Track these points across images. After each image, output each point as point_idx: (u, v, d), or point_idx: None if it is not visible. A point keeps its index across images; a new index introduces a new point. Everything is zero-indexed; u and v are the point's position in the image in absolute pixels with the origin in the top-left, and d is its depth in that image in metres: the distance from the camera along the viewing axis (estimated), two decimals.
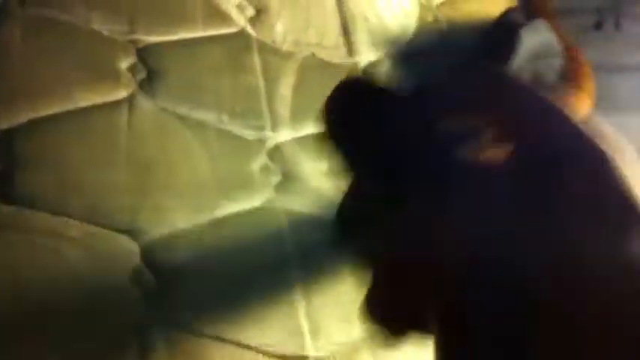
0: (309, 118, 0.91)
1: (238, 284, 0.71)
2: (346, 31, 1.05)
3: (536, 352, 0.28)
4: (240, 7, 1.03)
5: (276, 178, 0.83)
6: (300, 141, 0.88)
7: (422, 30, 1.09)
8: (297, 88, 0.94)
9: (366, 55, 1.03)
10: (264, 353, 0.67)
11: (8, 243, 0.68)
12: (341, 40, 1.04)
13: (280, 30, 1.01)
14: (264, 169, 0.84)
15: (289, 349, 0.68)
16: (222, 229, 0.76)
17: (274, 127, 0.89)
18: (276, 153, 0.86)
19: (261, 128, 0.88)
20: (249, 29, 1.01)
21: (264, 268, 0.74)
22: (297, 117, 0.91)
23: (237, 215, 0.78)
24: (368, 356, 0.69)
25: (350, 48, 1.03)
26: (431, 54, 1.04)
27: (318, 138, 0.90)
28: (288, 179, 0.83)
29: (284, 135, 0.88)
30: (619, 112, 1.04)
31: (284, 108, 0.91)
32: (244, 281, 0.72)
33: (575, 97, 0.85)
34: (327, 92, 0.95)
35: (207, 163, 0.82)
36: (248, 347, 0.67)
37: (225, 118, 0.87)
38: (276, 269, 0.74)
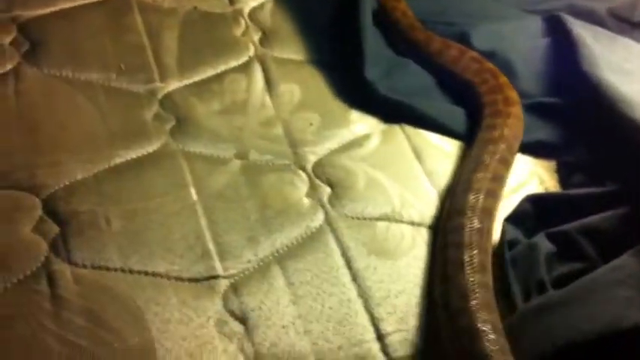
0: (197, 65, 0.94)
1: (142, 220, 0.74)
2: None
3: None
4: None
5: (170, 124, 0.86)
6: (190, 87, 0.91)
7: None
8: (182, 40, 0.97)
9: (249, 1, 1.06)
10: (174, 278, 0.70)
11: None
12: None
13: None
14: (157, 117, 0.86)
15: (199, 272, 0.71)
16: (121, 174, 0.79)
17: (163, 78, 0.91)
18: (167, 101, 0.88)
19: (151, 81, 0.90)
20: None
21: (166, 202, 0.77)
22: (185, 66, 0.93)
23: (136, 161, 0.81)
24: (277, 271, 0.73)
25: None
26: None
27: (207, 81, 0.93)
28: (182, 123, 0.86)
29: (174, 84, 0.91)
30: None
31: (171, 59, 0.94)
32: (147, 217, 0.75)
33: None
34: (212, 40, 0.98)
35: (99, 118, 0.84)
36: (155, 274, 0.70)
37: (112, 76, 0.90)
38: (178, 201, 0.77)
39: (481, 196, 0.79)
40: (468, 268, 0.71)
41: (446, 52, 0.98)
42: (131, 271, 0.70)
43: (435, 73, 0.98)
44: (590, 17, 1.10)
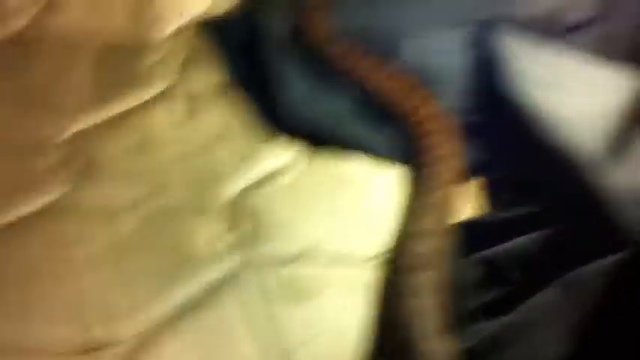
0: (105, 103, 0.91)
1: (23, 284, 0.71)
2: (141, 8, 1.04)
3: None
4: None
5: (75, 169, 0.83)
6: (98, 127, 0.88)
7: None
8: (91, 76, 0.94)
9: (170, 24, 1.03)
10: (51, 353, 0.66)
11: None
12: (136, 17, 1.03)
13: (68, 23, 1.00)
14: (62, 162, 0.83)
15: (80, 343, 0.67)
16: (13, 233, 0.76)
17: (70, 117, 0.88)
18: (74, 143, 0.85)
19: (56, 121, 0.87)
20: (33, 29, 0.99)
21: (51, 265, 0.73)
22: (95, 103, 0.91)
23: (29, 217, 0.78)
24: (184, 326, 0.70)
25: (146, 24, 1.02)
26: None
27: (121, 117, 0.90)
28: (86, 169, 0.83)
29: (82, 123, 0.88)
30: None
31: (79, 97, 0.91)
32: (29, 280, 0.72)
33: None
34: (123, 74, 0.95)
35: None
36: (30, 351, 0.66)
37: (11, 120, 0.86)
38: (65, 262, 0.74)
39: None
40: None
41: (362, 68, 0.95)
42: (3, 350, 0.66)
43: (355, 93, 0.96)
44: (521, 25, 1.08)
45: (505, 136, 0.90)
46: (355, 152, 0.90)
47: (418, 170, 0.85)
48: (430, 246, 0.76)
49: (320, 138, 0.91)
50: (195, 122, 0.90)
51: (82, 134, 0.87)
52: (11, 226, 0.77)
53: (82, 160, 0.85)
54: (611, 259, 0.72)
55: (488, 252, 0.79)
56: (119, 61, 0.97)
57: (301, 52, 0.98)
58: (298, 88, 0.94)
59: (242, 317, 0.73)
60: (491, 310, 0.75)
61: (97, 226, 0.78)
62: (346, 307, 0.74)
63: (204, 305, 0.73)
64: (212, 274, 0.76)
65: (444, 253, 0.77)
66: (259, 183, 0.86)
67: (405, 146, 0.91)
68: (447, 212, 0.83)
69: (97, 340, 0.68)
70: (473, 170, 0.91)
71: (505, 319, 0.72)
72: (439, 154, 0.85)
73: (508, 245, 0.79)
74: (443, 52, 1.01)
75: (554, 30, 1.10)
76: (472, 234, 0.82)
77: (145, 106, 0.92)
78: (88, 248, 0.76)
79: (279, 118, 0.92)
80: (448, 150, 0.87)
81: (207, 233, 0.79)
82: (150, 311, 0.71)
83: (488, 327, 0.72)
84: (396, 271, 0.74)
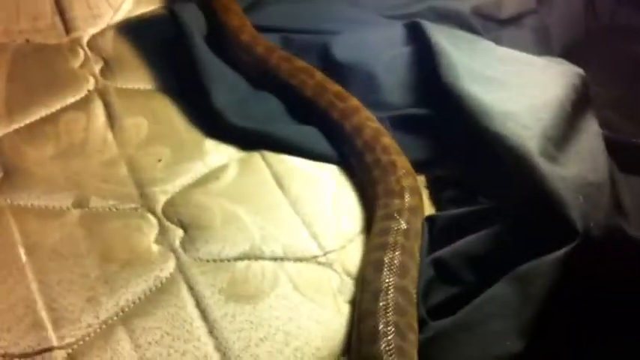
0: (29, 106, 0.85)
1: None
2: (61, 9, 0.98)
3: None
4: None
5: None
6: (20, 132, 0.82)
7: None
8: (12, 79, 0.88)
9: (88, 29, 0.97)
10: (1, 356, 0.62)
11: None
12: (57, 18, 0.97)
13: None
14: None
15: (29, 346, 0.63)
16: None
17: None
18: None
19: None
20: None
21: None
22: (15, 108, 0.84)
23: None
24: (122, 334, 0.66)
25: (67, 25, 0.97)
26: None
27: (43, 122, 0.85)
28: (11, 175, 0.77)
29: (1, 130, 0.82)
30: None
31: None
32: None
33: None
34: (47, 76, 0.89)
35: None
36: None
37: None
38: (4, 266, 0.68)
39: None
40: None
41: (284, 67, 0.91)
42: None
43: (282, 92, 0.92)
44: (455, 18, 1.07)
45: (448, 131, 0.88)
46: (287, 151, 0.86)
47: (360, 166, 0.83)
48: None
49: (252, 139, 0.86)
50: (119, 128, 0.85)
51: (1, 141, 0.80)
52: None
53: (1, 168, 0.78)
54: (560, 252, 0.69)
55: (440, 252, 0.76)
56: (40, 64, 0.91)
57: (225, 50, 0.94)
58: (227, 90, 0.90)
59: (199, 314, 0.69)
60: (443, 310, 0.72)
61: (37, 227, 0.73)
62: (297, 306, 0.70)
63: (157, 303, 0.69)
64: (159, 273, 0.71)
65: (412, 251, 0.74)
66: (194, 184, 0.81)
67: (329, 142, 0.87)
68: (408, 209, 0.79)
69: (47, 341, 0.64)
70: (417, 166, 0.89)
71: (456, 317, 0.69)
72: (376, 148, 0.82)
73: (458, 244, 0.76)
74: (376, 46, 0.98)
75: (489, 22, 1.10)
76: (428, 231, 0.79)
77: (68, 110, 0.86)
78: (32, 249, 0.71)
79: (210, 121, 0.87)
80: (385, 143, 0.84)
81: (143, 237, 0.74)
82: (99, 312, 0.67)
83: (440, 326, 0.69)
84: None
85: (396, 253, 0.72)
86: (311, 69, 0.90)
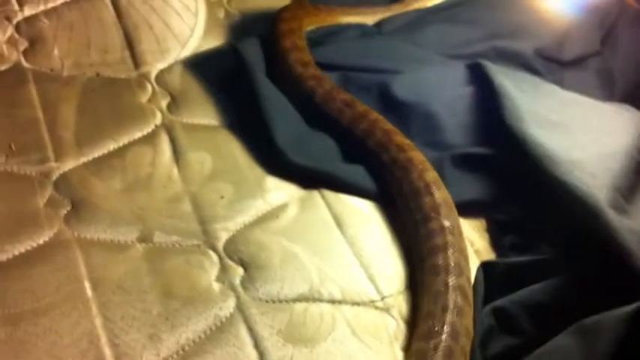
0: (98, 140, 0.87)
1: (28, 326, 0.67)
2: (130, 43, 1.01)
3: None
4: (11, 42, 0.98)
5: (64, 210, 0.79)
6: (89, 165, 0.84)
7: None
8: (82, 112, 0.90)
9: (156, 64, 1.00)
10: None
11: None
12: (126, 53, 1.00)
13: (58, 56, 0.97)
14: (51, 202, 0.79)
15: None
16: (7, 272, 0.71)
17: (59, 156, 0.84)
18: (62, 183, 0.81)
19: (44, 161, 0.83)
20: (24, 62, 0.96)
21: (56, 302, 0.69)
22: (84, 141, 0.87)
23: (24, 255, 0.74)
24: None
25: (136, 60, 0.99)
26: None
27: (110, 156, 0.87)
28: (79, 207, 0.79)
29: (71, 162, 0.84)
30: None
31: (68, 134, 0.87)
32: (34, 321, 0.67)
33: None
34: (115, 109, 0.92)
35: None
36: None
37: (1, 159, 0.83)
38: (70, 300, 0.70)
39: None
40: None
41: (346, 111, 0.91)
42: None
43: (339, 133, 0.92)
44: (517, 59, 1.06)
45: (510, 174, 0.87)
46: (345, 191, 0.87)
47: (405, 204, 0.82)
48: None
49: (311, 178, 0.87)
50: (184, 163, 0.86)
51: (70, 173, 0.83)
52: (13, 261, 0.74)
53: (70, 200, 0.80)
54: (629, 307, 0.68)
55: (501, 300, 0.75)
56: (109, 98, 0.93)
57: (286, 87, 0.95)
58: (288, 127, 0.91)
59: (257, 355, 0.69)
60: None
61: (103, 261, 0.74)
62: (354, 352, 0.70)
63: (217, 342, 0.70)
64: (219, 312, 0.72)
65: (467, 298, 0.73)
66: (255, 222, 0.82)
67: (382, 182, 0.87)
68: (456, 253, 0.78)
69: None
70: (477, 208, 0.88)
71: None
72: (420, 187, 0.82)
73: (519, 293, 0.75)
74: (437, 86, 0.98)
75: (552, 63, 1.08)
76: (490, 278, 0.78)
77: (135, 144, 0.88)
78: (97, 283, 0.72)
79: (271, 157, 0.88)
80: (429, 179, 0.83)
81: (204, 275, 0.75)
82: (160, 349, 0.68)
83: None
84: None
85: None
86: (375, 118, 0.90)
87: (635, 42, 1.09)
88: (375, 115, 0.90)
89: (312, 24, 1.07)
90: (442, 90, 0.97)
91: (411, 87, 0.97)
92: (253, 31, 1.04)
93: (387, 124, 0.89)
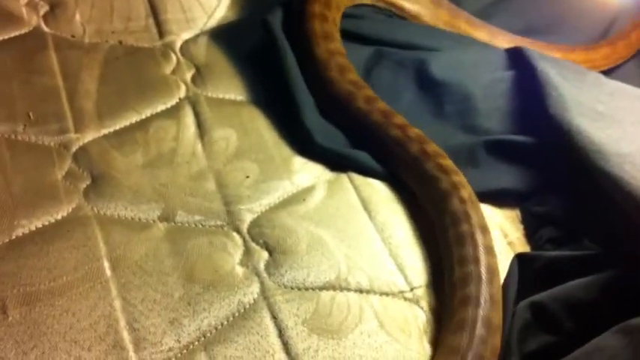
0: (120, 111, 0.83)
1: (44, 306, 0.64)
2: (155, 11, 0.97)
3: None
4: (31, 5, 0.94)
5: (84, 184, 0.75)
6: (110, 137, 0.81)
7: None
8: (104, 81, 0.86)
9: (181, 34, 0.96)
10: None
11: None
12: (150, 21, 0.96)
13: (79, 22, 0.93)
14: (70, 175, 0.76)
15: None
16: (23, 249, 0.68)
17: (79, 127, 0.80)
18: (82, 156, 0.78)
19: (64, 131, 0.80)
20: (44, 26, 0.92)
21: (74, 282, 0.66)
22: (105, 112, 0.83)
23: (41, 231, 0.70)
24: (204, 357, 0.64)
25: (161, 29, 0.95)
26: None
27: (132, 129, 0.83)
28: (98, 182, 0.76)
29: (91, 134, 0.80)
30: None
31: (89, 105, 0.83)
32: (50, 301, 0.64)
33: None
34: (138, 80, 0.88)
35: (1, 180, 0.73)
36: None
37: (19, 127, 0.79)
38: (88, 279, 0.67)
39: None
40: None
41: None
42: None
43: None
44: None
45: (550, 165, 0.83)
46: (373, 175, 0.83)
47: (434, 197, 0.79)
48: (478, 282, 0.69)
49: (337, 162, 0.83)
50: (209, 139, 0.83)
51: (90, 145, 0.79)
52: (29, 236, 0.70)
53: (89, 174, 0.77)
54: None
55: (540, 295, 0.71)
56: (132, 68, 0.89)
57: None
58: (315, 109, 0.87)
59: (281, 345, 0.66)
60: (540, 358, 0.68)
61: (123, 239, 0.71)
62: (381, 346, 0.67)
63: (240, 330, 0.66)
64: (242, 298, 0.69)
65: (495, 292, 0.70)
66: (281, 205, 0.78)
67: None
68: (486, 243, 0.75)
69: None
70: (512, 198, 0.84)
71: None
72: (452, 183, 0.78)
73: (559, 289, 0.71)
74: (475, 67, 0.93)
75: None
76: (519, 274, 0.74)
77: (158, 117, 0.84)
78: (116, 263, 0.69)
79: (299, 138, 0.84)
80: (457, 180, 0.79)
81: (228, 258, 0.72)
82: (181, 335, 0.65)
83: None
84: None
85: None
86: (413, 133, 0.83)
87: None
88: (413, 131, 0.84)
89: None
90: (481, 72, 0.92)
91: (449, 66, 0.93)
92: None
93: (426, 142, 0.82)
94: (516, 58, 0.90)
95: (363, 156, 0.84)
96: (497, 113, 0.89)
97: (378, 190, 0.82)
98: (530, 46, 0.93)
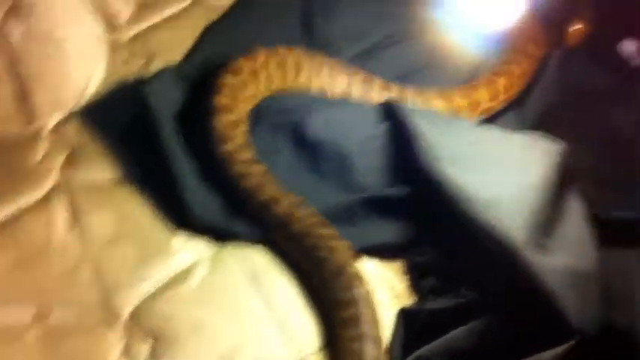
0: None
1: None
2: (22, 93, 0.94)
3: None
4: None
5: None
6: None
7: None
8: None
9: (51, 116, 0.93)
10: None
11: None
12: (18, 105, 0.93)
13: None
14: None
15: None
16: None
17: None
18: None
19: None
20: None
21: None
22: None
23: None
24: None
25: (29, 112, 0.92)
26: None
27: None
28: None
29: None
30: None
31: None
32: None
33: None
34: (7, 172, 0.85)
35: None
36: None
37: None
38: None
39: None
40: None
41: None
42: None
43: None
44: None
45: (426, 215, 0.84)
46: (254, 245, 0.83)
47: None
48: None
49: (219, 233, 0.83)
50: (83, 227, 0.81)
51: None
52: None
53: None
54: (557, 350, 0.67)
55: (423, 349, 0.72)
56: None
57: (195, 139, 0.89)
58: (192, 179, 0.86)
59: None
60: None
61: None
62: None
63: None
64: None
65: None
66: (162, 289, 0.77)
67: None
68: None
69: None
70: (395, 251, 0.85)
71: None
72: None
73: (441, 341, 0.73)
74: (351, 125, 0.94)
75: None
76: (405, 328, 0.76)
77: (27, 212, 0.82)
78: None
79: (178, 214, 0.83)
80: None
81: (107, 354, 0.70)
82: None
83: None
84: None
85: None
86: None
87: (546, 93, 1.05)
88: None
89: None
90: (355, 130, 0.93)
91: (324, 126, 0.93)
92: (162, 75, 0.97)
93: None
94: (389, 112, 0.92)
95: (242, 224, 0.83)
96: (374, 169, 0.90)
97: (262, 259, 0.82)
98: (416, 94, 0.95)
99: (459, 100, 0.96)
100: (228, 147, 0.84)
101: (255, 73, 0.92)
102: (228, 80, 0.89)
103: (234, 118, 0.88)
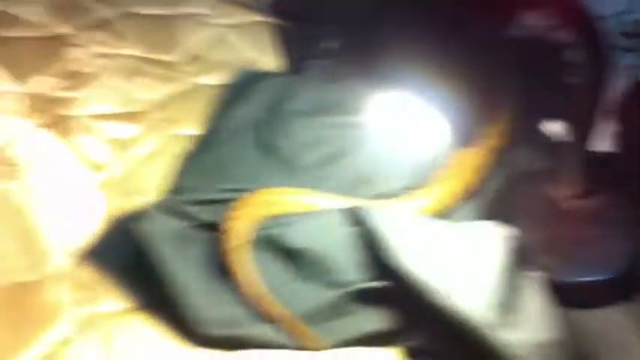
0: None
1: None
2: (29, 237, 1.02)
3: None
4: None
5: None
6: None
7: None
8: None
9: (57, 259, 1.01)
10: None
11: None
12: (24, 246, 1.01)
13: None
14: None
15: None
16: None
17: None
18: None
19: None
20: None
21: None
22: None
23: None
24: None
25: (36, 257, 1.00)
26: None
27: None
28: None
29: None
30: None
31: None
32: None
33: None
34: (19, 316, 0.90)
35: None
36: None
37: None
38: None
39: None
40: None
41: None
42: None
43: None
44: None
45: (407, 304, 0.95)
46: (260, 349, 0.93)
47: None
48: None
49: (229, 342, 0.93)
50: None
51: None
52: None
53: None
54: None
55: None
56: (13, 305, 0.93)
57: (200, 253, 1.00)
58: (198, 293, 0.96)
59: None
60: None
61: None
62: None
63: None
64: None
65: None
66: None
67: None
68: None
69: None
70: (387, 339, 0.95)
71: None
72: None
73: None
74: (326, 229, 1.06)
75: None
76: None
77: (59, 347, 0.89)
78: None
79: (188, 329, 0.93)
80: None
81: None
82: None
83: None
84: None
85: None
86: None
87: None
88: None
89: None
90: (331, 232, 1.04)
91: (302, 234, 1.04)
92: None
93: None
94: (352, 215, 1.04)
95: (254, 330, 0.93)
96: (353, 266, 1.01)
97: None
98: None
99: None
100: None
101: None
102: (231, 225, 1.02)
103: None
